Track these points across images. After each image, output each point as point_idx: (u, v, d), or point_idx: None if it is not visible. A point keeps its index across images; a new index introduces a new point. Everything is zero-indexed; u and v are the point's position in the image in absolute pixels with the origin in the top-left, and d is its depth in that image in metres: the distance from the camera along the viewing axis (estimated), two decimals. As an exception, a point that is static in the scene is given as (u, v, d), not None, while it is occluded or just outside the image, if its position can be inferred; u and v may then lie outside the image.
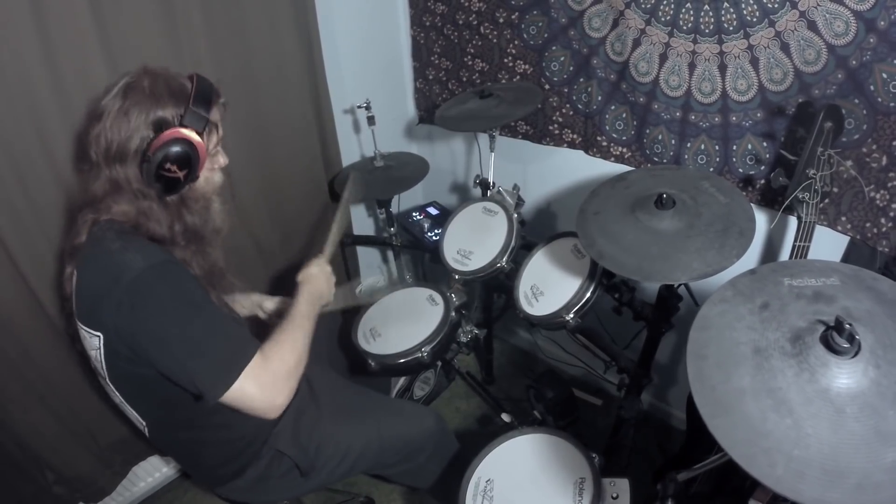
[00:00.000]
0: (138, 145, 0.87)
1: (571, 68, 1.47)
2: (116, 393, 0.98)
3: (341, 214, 1.33)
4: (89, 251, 0.91)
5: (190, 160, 0.90)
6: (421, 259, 2.15)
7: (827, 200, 1.15)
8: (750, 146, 1.24)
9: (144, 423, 1.02)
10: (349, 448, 1.17)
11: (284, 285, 1.22)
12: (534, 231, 1.73)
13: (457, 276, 1.44)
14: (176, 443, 1.10)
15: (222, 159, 1.01)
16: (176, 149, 0.87)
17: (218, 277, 1.04)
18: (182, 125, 0.88)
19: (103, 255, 0.88)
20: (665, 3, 1.21)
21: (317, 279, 1.15)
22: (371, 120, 1.62)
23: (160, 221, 0.93)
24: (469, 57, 1.69)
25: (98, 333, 0.89)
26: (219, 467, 1.10)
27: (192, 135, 0.89)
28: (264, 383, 0.91)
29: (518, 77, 1.61)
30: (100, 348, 0.90)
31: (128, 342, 0.87)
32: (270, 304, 1.33)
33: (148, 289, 0.86)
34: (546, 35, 1.47)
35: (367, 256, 2.13)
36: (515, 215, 1.40)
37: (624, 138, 1.47)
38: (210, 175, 1.00)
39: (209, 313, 0.91)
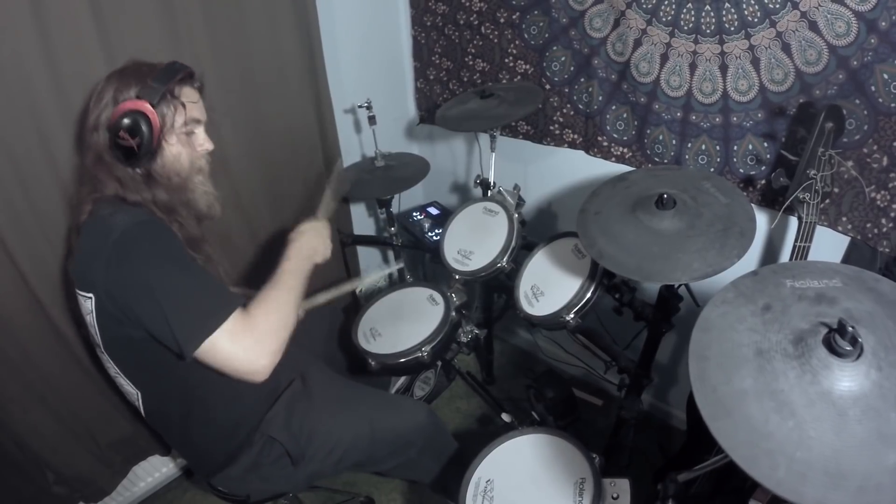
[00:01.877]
0: (107, 116, 0.94)
1: (572, 68, 1.47)
2: (111, 362, 1.00)
3: (334, 179, 1.31)
4: (86, 221, 0.96)
5: (141, 129, 0.93)
6: (421, 259, 2.15)
7: (828, 201, 1.15)
8: (751, 146, 1.24)
9: (138, 394, 1.04)
10: (340, 438, 1.18)
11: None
12: (534, 231, 1.73)
13: (457, 276, 1.44)
14: (168, 419, 1.11)
15: (207, 144, 1.05)
16: (127, 119, 0.92)
17: (196, 245, 1.04)
18: (138, 97, 0.93)
19: (95, 221, 0.94)
20: (666, 3, 1.21)
21: (307, 236, 1.13)
22: (372, 120, 1.62)
23: (138, 191, 0.97)
24: (470, 57, 1.69)
25: (90, 295, 0.92)
26: (211, 450, 1.12)
27: (143, 105, 0.93)
28: (243, 341, 0.91)
29: (519, 77, 1.60)
30: (92, 311, 0.93)
31: (115, 299, 0.89)
32: None
33: (133, 243, 0.89)
34: (547, 35, 1.47)
35: (368, 256, 2.12)
36: (516, 215, 1.40)
37: (625, 138, 1.47)
38: (179, 152, 1.00)
39: (192, 269, 0.94)
